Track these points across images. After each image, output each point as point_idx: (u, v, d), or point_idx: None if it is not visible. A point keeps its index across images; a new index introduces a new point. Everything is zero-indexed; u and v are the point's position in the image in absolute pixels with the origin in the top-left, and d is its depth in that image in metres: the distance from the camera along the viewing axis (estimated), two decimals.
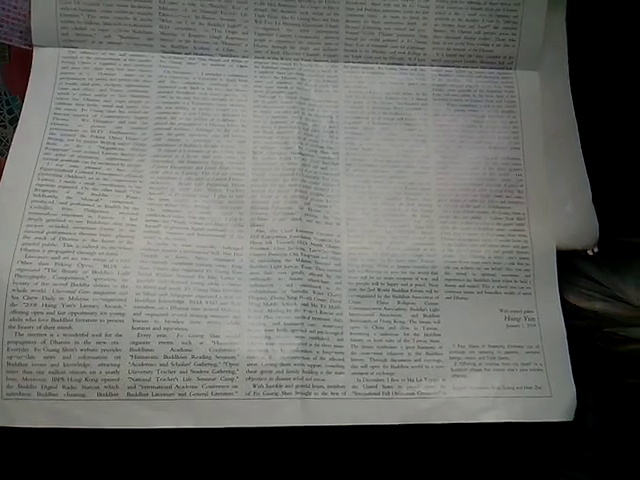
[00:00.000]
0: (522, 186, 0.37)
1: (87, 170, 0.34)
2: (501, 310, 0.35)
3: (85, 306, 0.31)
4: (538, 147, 0.38)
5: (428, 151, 0.37)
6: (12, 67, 0.38)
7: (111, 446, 0.32)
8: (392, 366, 0.33)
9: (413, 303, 0.34)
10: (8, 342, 0.30)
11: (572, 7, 0.39)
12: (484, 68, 0.39)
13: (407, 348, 0.33)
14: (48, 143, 0.35)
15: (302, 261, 0.34)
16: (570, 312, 0.35)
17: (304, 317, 0.33)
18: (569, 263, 0.36)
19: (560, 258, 0.35)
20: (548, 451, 0.34)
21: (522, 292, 0.35)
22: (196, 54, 0.38)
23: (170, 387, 0.31)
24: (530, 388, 0.33)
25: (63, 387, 0.30)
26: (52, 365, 0.30)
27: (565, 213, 0.37)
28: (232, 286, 0.33)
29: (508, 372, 0.33)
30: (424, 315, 0.34)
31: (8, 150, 0.34)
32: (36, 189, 0.33)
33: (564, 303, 0.35)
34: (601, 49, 0.41)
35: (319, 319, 0.33)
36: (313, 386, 0.32)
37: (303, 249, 0.34)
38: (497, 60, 0.39)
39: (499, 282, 0.35)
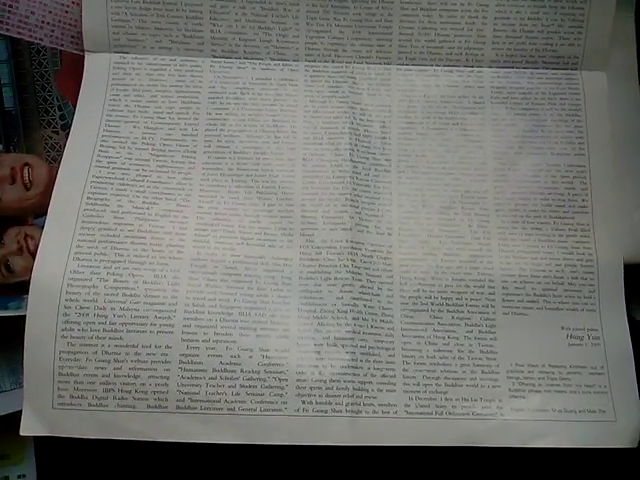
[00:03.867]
0: (587, 195, 0.35)
1: (138, 178, 0.34)
2: (563, 328, 0.33)
3: (136, 317, 0.31)
4: (605, 153, 0.36)
5: (485, 157, 0.36)
6: (64, 72, 0.39)
7: (155, 456, 0.32)
8: (446, 384, 0.31)
9: (468, 318, 0.33)
10: (60, 352, 0.30)
11: None
12: (547, 69, 0.37)
13: (462, 366, 0.32)
14: (100, 150, 0.35)
15: (353, 273, 0.33)
16: (638, 331, 0.33)
17: (354, 332, 0.32)
18: (637, 278, 0.34)
19: (628, 272, 0.34)
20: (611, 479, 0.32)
21: (586, 309, 0.33)
22: (246, 58, 0.37)
23: (219, 401, 0.30)
24: (593, 412, 0.31)
25: (114, 398, 0.30)
26: (103, 376, 0.30)
27: (633, 223, 0.35)
28: (281, 298, 0.32)
29: (570, 394, 0.32)
30: (480, 331, 0.33)
31: (60, 157, 0.35)
32: (88, 197, 0.33)
33: (631, 321, 0.33)
34: None
35: (370, 334, 0.32)
36: (364, 404, 0.31)
37: (354, 260, 0.33)
38: (561, 60, 0.37)
39: (561, 297, 0.33)
